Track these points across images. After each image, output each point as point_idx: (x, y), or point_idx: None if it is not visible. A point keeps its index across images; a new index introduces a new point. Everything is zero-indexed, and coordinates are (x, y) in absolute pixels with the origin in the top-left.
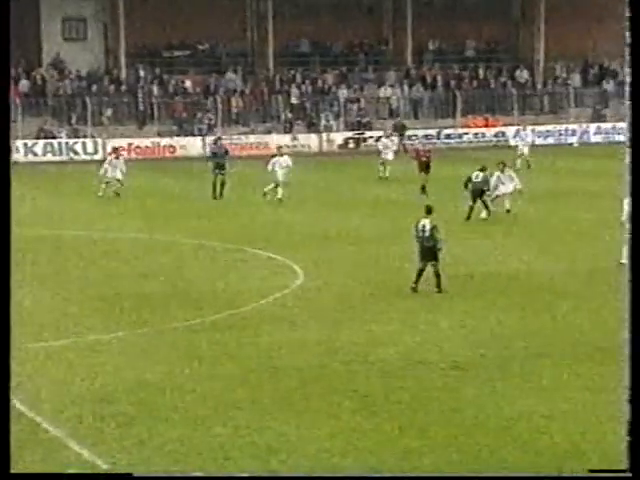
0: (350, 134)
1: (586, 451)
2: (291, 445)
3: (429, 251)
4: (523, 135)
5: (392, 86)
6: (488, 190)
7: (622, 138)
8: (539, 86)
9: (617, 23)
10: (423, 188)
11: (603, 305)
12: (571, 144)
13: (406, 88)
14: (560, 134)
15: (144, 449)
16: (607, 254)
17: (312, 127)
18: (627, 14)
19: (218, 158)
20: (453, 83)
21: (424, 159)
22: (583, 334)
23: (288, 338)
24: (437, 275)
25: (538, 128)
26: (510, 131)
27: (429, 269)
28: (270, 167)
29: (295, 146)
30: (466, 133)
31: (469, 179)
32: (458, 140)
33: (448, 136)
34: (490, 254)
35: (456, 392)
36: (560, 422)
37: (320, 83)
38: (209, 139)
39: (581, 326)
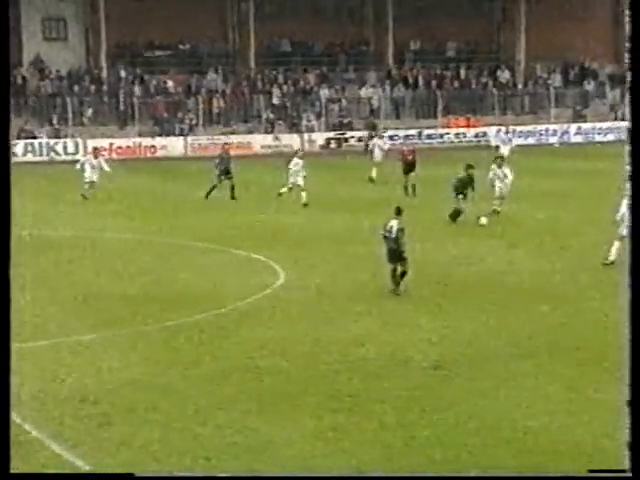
0: (332, 134)
1: (569, 451)
2: (273, 445)
3: (394, 253)
4: (504, 137)
5: (373, 86)
6: (465, 191)
7: (602, 138)
8: (520, 86)
9: (598, 24)
10: (413, 188)
11: (585, 305)
12: (552, 144)
13: (387, 88)
14: (541, 134)
15: (125, 450)
16: (589, 254)
17: (293, 127)
18: (627, 13)
19: (224, 164)
20: (434, 83)
21: (410, 158)
22: (566, 334)
23: (270, 338)
24: (402, 275)
25: (519, 128)
26: (491, 131)
27: (399, 268)
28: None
29: (277, 146)
30: (447, 133)
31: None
32: (439, 140)
33: (429, 136)
34: (472, 254)
35: (438, 392)
36: (542, 422)
37: (301, 83)
38: (190, 138)
39: (563, 326)
